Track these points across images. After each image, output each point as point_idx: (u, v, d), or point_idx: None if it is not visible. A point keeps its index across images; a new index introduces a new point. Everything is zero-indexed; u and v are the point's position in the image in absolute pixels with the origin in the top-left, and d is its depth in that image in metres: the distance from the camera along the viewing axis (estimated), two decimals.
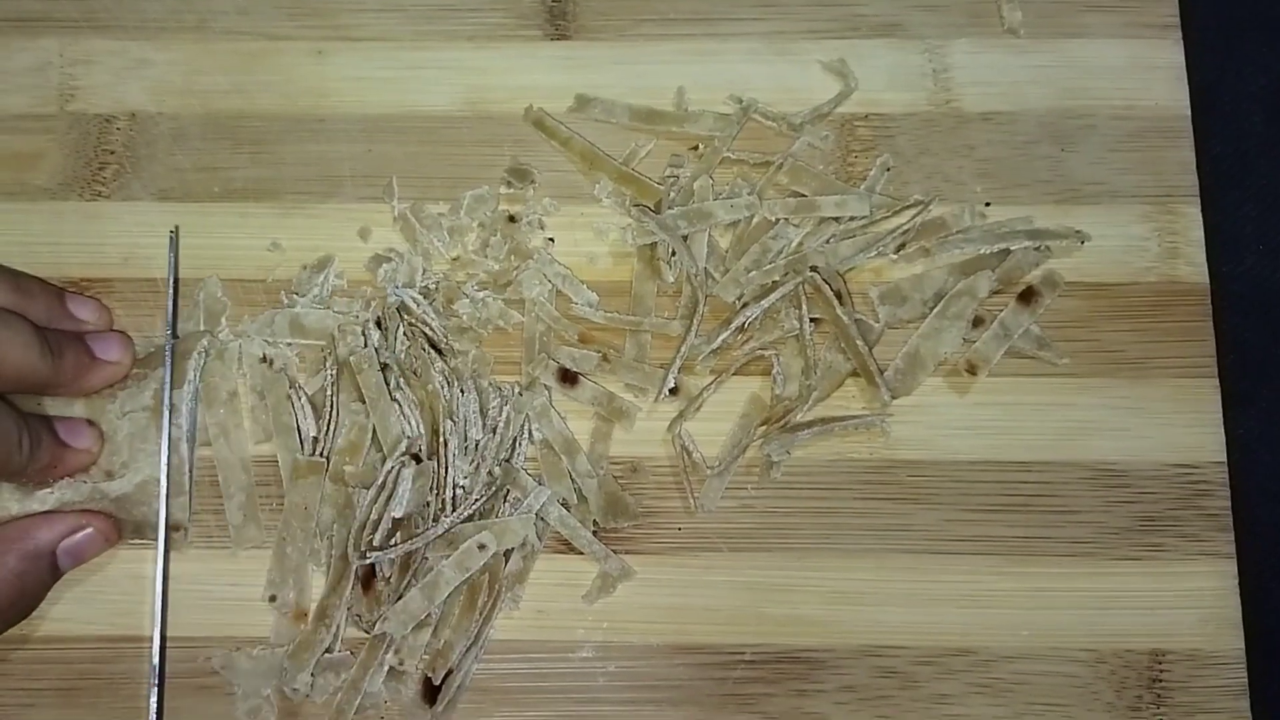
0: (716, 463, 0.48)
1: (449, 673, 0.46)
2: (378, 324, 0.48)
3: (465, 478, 0.46)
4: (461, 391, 0.47)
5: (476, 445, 0.47)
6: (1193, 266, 0.50)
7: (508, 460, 0.47)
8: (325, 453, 0.47)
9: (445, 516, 0.46)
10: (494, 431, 0.47)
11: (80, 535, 0.45)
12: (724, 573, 0.47)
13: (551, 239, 0.50)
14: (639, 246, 0.49)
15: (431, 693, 0.46)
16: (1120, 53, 0.52)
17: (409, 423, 0.47)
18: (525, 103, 0.52)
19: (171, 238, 0.49)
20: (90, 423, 0.46)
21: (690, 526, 0.48)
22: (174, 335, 0.48)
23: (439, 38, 0.53)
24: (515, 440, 0.48)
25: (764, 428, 0.48)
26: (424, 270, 0.49)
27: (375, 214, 0.51)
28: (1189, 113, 0.52)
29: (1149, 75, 0.52)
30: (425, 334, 0.48)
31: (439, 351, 0.48)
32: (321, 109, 0.52)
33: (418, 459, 0.46)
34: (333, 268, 0.50)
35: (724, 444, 0.48)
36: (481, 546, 0.45)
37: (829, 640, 0.47)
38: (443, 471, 0.46)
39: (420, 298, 0.48)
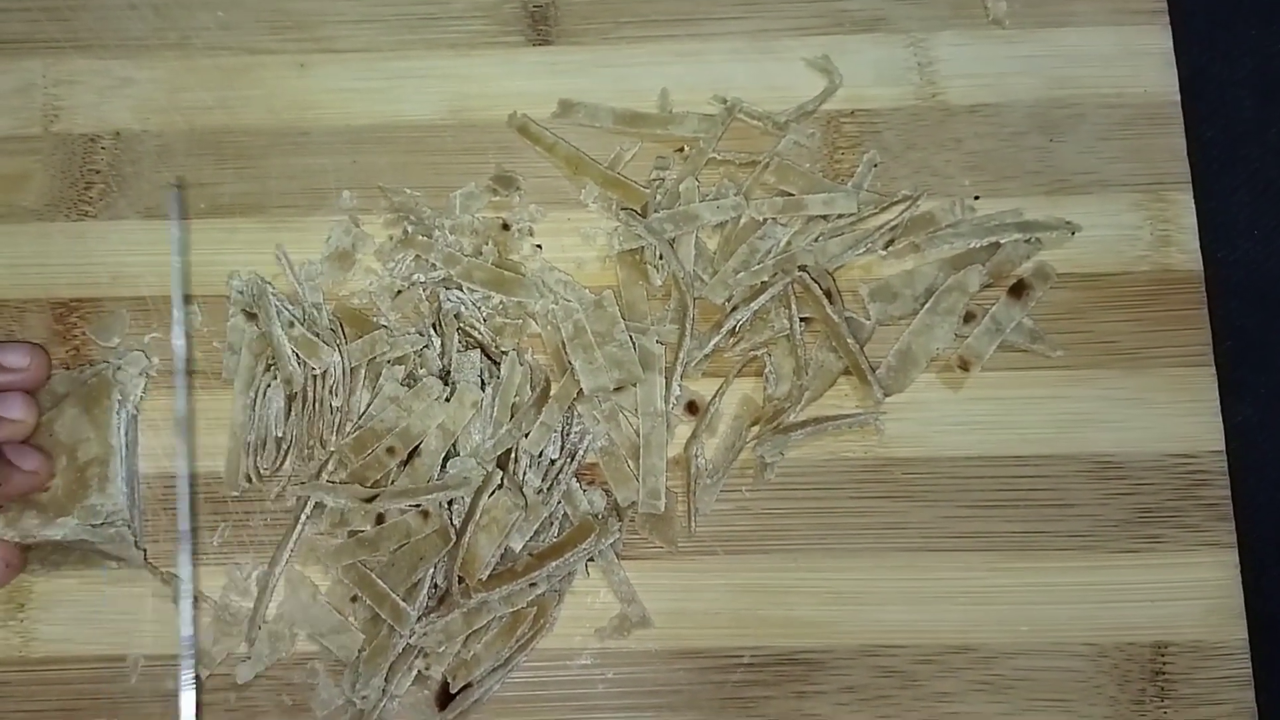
0: (711, 466, 0.48)
1: (467, 685, 0.45)
2: (434, 328, 0.48)
3: (536, 492, 0.46)
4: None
5: (553, 463, 0.47)
6: (1186, 254, 0.50)
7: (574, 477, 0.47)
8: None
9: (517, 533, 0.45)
10: (571, 458, 0.47)
11: None
12: (721, 576, 0.47)
13: (539, 245, 0.50)
14: (619, 253, 0.49)
15: (445, 698, 0.45)
16: (1108, 40, 0.52)
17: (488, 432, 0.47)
18: (509, 109, 0.51)
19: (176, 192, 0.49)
20: (39, 448, 0.46)
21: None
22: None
23: (421, 47, 0.52)
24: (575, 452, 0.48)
25: (756, 428, 0.48)
26: (431, 264, 0.49)
27: (364, 224, 0.50)
28: (1179, 98, 0.51)
29: (1137, 62, 0.52)
30: (476, 339, 0.48)
31: (493, 360, 0.48)
32: (305, 122, 0.52)
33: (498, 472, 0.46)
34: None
35: (717, 446, 0.48)
36: (532, 584, 0.45)
37: (828, 641, 0.46)
38: (515, 489, 0.46)
39: (470, 302, 0.48)
